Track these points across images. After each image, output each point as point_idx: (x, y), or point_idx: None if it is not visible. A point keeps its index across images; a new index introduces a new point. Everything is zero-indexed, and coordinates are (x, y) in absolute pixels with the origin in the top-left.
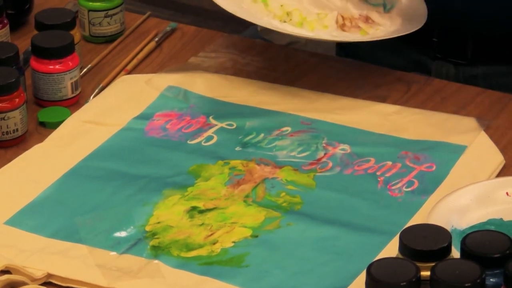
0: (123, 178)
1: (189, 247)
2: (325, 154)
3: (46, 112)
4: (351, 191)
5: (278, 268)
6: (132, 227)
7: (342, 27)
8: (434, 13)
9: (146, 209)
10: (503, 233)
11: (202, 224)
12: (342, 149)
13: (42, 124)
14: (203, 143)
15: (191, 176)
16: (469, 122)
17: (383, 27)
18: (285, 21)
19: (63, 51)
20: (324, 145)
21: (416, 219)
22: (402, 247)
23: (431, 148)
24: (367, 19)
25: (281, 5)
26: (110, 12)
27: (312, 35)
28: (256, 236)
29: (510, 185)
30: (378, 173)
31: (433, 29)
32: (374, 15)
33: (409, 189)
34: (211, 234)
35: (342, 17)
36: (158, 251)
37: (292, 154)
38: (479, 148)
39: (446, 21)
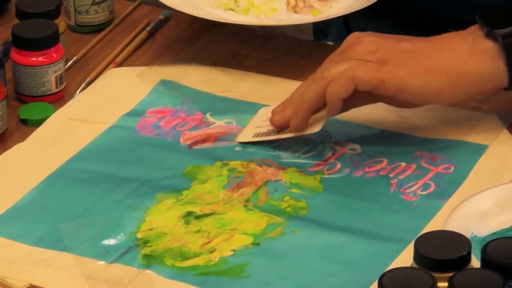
0: (112, 180)
1: (184, 256)
2: (333, 154)
3: (28, 108)
4: (361, 195)
5: (281, 279)
6: (122, 234)
7: (294, 8)
8: (449, 4)
9: (137, 215)
10: None
11: (199, 231)
12: (351, 149)
13: (24, 121)
14: (199, 143)
15: (187, 178)
16: (490, 120)
17: (338, 4)
18: (231, 9)
19: (47, 41)
20: (332, 144)
21: (432, 225)
22: (417, 255)
23: (449, 147)
24: None
25: None
26: None
27: (255, 21)
28: (258, 244)
29: None
30: (391, 175)
31: (449, 20)
32: None
33: (424, 192)
34: (208, 242)
35: None
36: (150, 260)
37: (297, 154)
38: (501, 148)
39: (462, 13)
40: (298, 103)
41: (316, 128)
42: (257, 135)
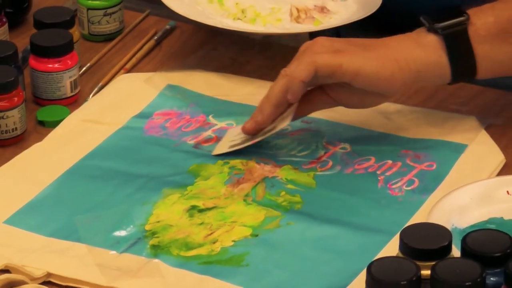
0: (122, 177)
1: (188, 246)
2: (325, 153)
3: (45, 111)
4: (351, 190)
5: (278, 267)
6: (131, 226)
7: (296, 19)
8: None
9: (145, 208)
10: (504, 232)
11: (202, 223)
12: (342, 148)
13: (41, 123)
14: (202, 143)
15: (191, 175)
16: (470, 121)
17: (338, 15)
18: (239, 19)
19: (62, 49)
20: (325, 144)
21: (417, 218)
22: (403, 246)
23: (432, 147)
24: (322, 9)
25: (236, 3)
26: (109, 11)
27: (263, 30)
28: (256, 235)
29: (511, 184)
30: (378, 172)
31: None
32: (330, 4)
33: (409, 188)
34: (211, 233)
35: (297, 9)
36: (157, 250)
37: (292, 153)
38: (480, 147)
39: None
40: (263, 101)
41: (285, 122)
42: (232, 146)
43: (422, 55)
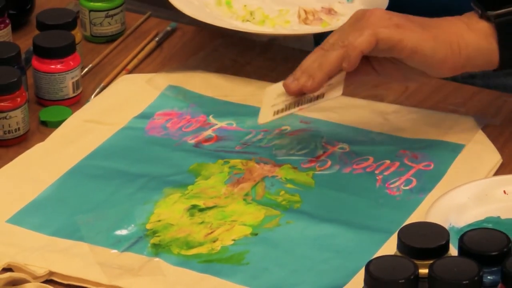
0: (124, 176)
1: (189, 245)
2: (324, 152)
3: (48, 111)
4: (349, 189)
5: (278, 265)
6: (133, 225)
7: (304, 21)
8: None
9: (146, 208)
10: (501, 231)
11: (202, 222)
12: (341, 147)
13: (44, 123)
14: (202, 142)
15: (191, 174)
16: (467, 121)
17: (345, 17)
18: (247, 21)
19: (65, 51)
20: (323, 144)
21: (414, 217)
22: (401, 245)
23: (429, 146)
24: (329, 11)
25: (245, 5)
26: (111, 12)
27: (272, 31)
28: (256, 234)
29: (508, 184)
30: (376, 172)
31: None
32: (337, 6)
33: (407, 187)
34: (211, 232)
35: (305, 11)
36: (158, 249)
37: (291, 152)
38: (477, 147)
39: None
40: (316, 68)
41: (337, 93)
42: (277, 112)
43: (473, 41)
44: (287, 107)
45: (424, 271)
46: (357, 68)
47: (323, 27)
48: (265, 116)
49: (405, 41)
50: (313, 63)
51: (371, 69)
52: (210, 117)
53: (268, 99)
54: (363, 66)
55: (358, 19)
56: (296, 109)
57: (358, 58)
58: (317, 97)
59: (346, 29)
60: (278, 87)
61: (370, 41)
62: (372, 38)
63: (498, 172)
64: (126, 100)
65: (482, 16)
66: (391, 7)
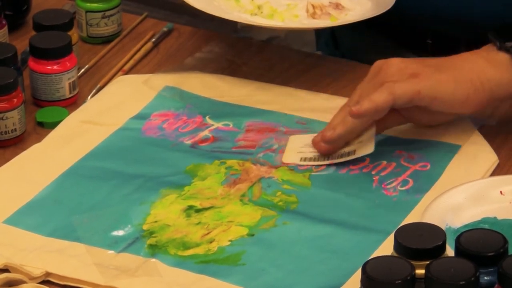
0: (120, 177)
1: (186, 246)
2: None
3: (44, 112)
4: (346, 190)
5: (274, 266)
6: (129, 226)
7: (312, 15)
8: (428, 17)
9: (143, 208)
10: (497, 231)
11: (199, 223)
12: None
13: (40, 124)
14: (199, 143)
15: (188, 175)
16: (463, 122)
17: (353, 12)
18: (255, 14)
19: (61, 51)
20: None
21: (411, 218)
22: (397, 245)
23: (426, 147)
24: (337, 6)
25: (252, 0)
26: (107, 13)
27: (282, 25)
28: (253, 235)
29: (504, 184)
30: (373, 172)
31: (427, 32)
32: (344, 1)
33: (403, 188)
34: (208, 233)
35: (313, 5)
36: (155, 250)
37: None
38: (473, 148)
39: (439, 25)
40: (339, 122)
41: (369, 149)
42: (304, 159)
43: (495, 75)
44: (316, 158)
45: (420, 271)
46: (387, 118)
47: (332, 21)
48: (290, 158)
49: (422, 91)
50: (337, 119)
51: (400, 116)
52: (207, 117)
53: (292, 145)
54: (392, 116)
55: (376, 73)
56: (326, 162)
57: (372, 111)
58: (348, 154)
59: (364, 86)
60: (305, 137)
61: (388, 101)
62: (389, 97)
63: (494, 173)
64: (122, 101)
65: (501, 48)
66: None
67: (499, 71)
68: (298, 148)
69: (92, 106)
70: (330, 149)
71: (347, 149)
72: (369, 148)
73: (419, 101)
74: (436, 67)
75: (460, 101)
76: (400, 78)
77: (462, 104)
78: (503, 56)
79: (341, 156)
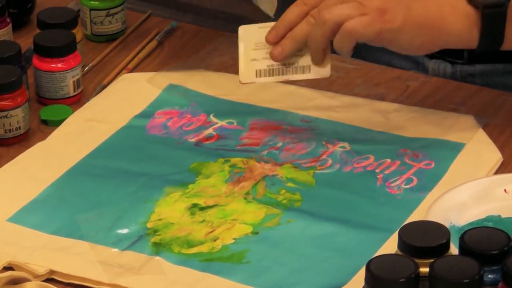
0: (124, 175)
1: (190, 244)
2: (324, 151)
3: (48, 110)
4: (350, 188)
5: (278, 264)
6: (133, 224)
7: None
8: None
9: (147, 206)
10: (501, 230)
11: (203, 221)
12: (341, 146)
13: (45, 122)
14: (203, 141)
15: (192, 173)
16: (467, 120)
17: None
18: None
19: (65, 49)
20: (324, 142)
21: (415, 216)
22: (401, 243)
23: (430, 145)
24: None
25: None
26: (112, 11)
27: None
28: (257, 233)
29: (508, 182)
30: (377, 171)
31: None
32: None
33: (408, 186)
34: (212, 231)
35: None
36: (159, 248)
37: (292, 151)
38: (477, 146)
39: None
40: (298, 41)
41: (325, 73)
42: (259, 73)
43: (454, 28)
44: (271, 72)
45: (424, 270)
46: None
47: None
48: (247, 76)
49: (383, 33)
50: (299, 32)
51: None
52: (211, 115)
53: (246, 46)
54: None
55: None
56: (280, 77)
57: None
58: (303, 70)
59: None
60: (256, 31)
61: (351, 42)
62: (352, 38)
63: (498, 171)
64: (126, 99)
65: (471, 2)
66: None
67: (459, 25)
68: (252, 52)
69: (96, 104)
70: (281, 52)
71: (301, 62)
72: (325, 72)
73: (378, 42)
74: (407, 4)
75: (414, 47)
76: (367, 4)
77: (415, 50)
78: (469, 10)
79: (296, 71)
